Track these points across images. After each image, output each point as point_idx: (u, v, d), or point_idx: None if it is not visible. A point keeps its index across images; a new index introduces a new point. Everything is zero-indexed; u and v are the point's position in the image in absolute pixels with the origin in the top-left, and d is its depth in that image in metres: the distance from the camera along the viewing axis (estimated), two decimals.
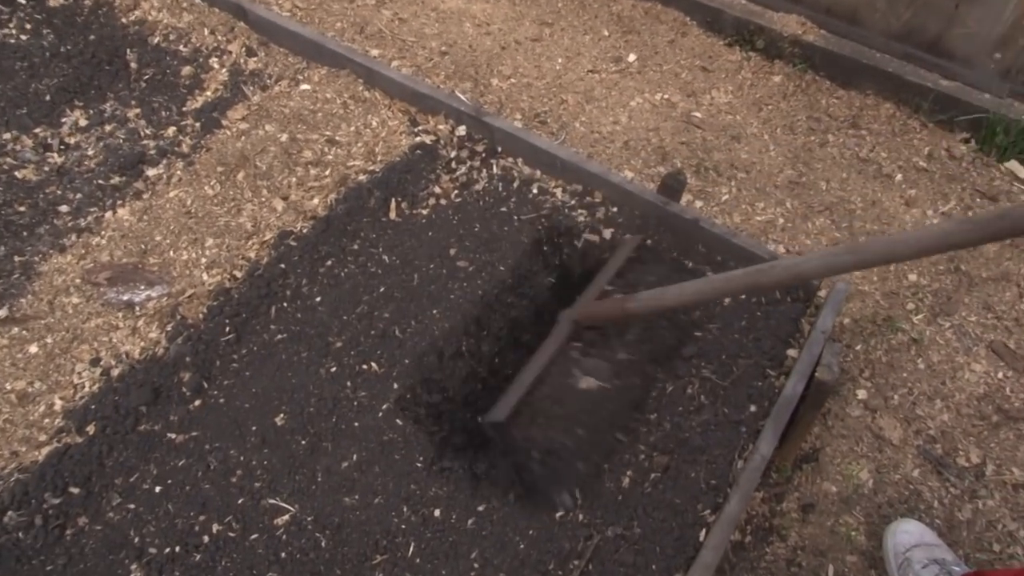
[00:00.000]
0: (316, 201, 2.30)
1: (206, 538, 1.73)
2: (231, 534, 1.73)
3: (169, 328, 2.11)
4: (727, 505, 1.58)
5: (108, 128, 2.71)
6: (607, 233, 2.21)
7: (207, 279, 2.21)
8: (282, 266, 2.19)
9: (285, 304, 2.12)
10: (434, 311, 2.01)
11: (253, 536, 1.72)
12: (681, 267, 2.07)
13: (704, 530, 1.61)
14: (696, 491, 1.70)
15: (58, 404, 1.97)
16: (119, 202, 2.46)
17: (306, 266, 2.14)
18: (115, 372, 2.02)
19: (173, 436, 1.90)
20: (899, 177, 2.58)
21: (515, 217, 2.21)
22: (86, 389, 1.99)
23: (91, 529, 1.76)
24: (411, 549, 1.67)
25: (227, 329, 2.07)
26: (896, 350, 2.17)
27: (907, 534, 1.74)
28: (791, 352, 1.94)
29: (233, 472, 1.82)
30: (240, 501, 1.78)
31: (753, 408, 1.81)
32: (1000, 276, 2.33)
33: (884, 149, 2.66)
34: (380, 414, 1.83)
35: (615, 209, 2.28)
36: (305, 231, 2.21)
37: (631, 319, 1.75)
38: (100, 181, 2.53)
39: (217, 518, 1.76)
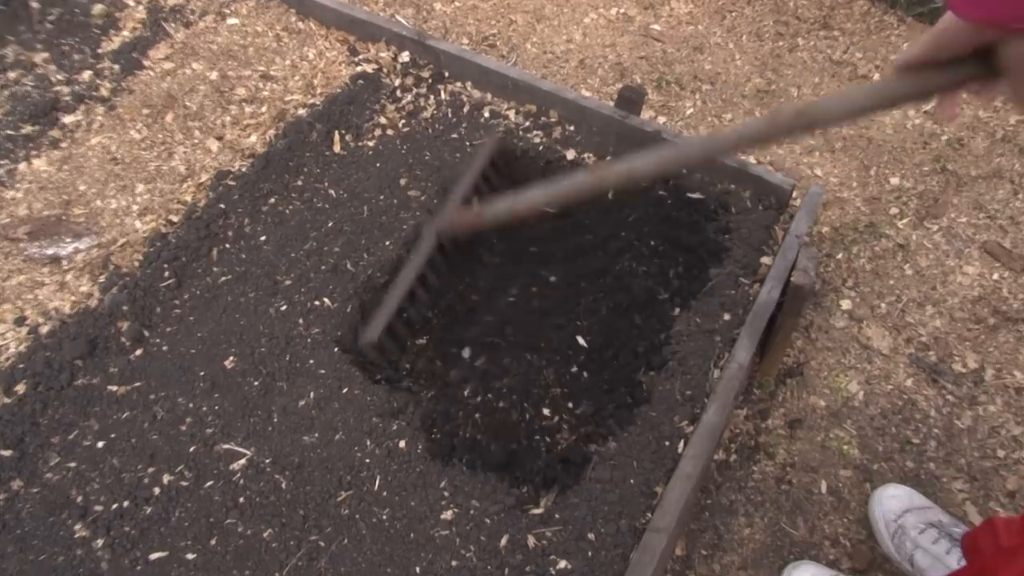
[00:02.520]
0: (254, 139, 2.31)
1: (157, 490, 1.75)
2: (184, 483, 1.75)
3: (102, 279, 2.11)
4: (705, 415, 1.61)
5: (12, 75, 2.67)
6: (569, 154, 2.24)
7: (140, 226, 2.21)
8: (222, 206, 2.20)
9: (227, 245, 2.09)
10: (387, 242, 2.03)
11: (208, 483, 1.75)
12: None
13: (682, 441, 1.64)
14: (672, 403, 1.70)
15: None
16: (33, 152, 2.44)
17: (247, 205, 2.15)
18: (44, 329, 2.02)
19: (114, 388, 1.91)
20: (876, 77, 2.64)
21: (467, 143, 2.22)
22: (12, 350, 2.00)
23: (27, 492, 1.76)
24: (377, 482, 1.67)
25: (166, 274, 2.09)
26: (881, 257, 2.21)
27: (894, 499, 1.67)
28: (765, 260, 1.98)
29: (182, 420, 1.84)
30: (192, 449, 1.80)
31: (727, 317, 1.81)
32: (992, 173, 2.36)
33: (859, 49, 2.71)
34: (336, 349, 1.84)
35: (572, 128, 2.31)
36: (244, 170, 2.22)
37: (488, 227, 1.80)
38: (9, 132, 2.50)
39: (168, 468, 1.78)
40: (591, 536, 1.60)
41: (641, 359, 1.81)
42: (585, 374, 1.79)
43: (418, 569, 1.59)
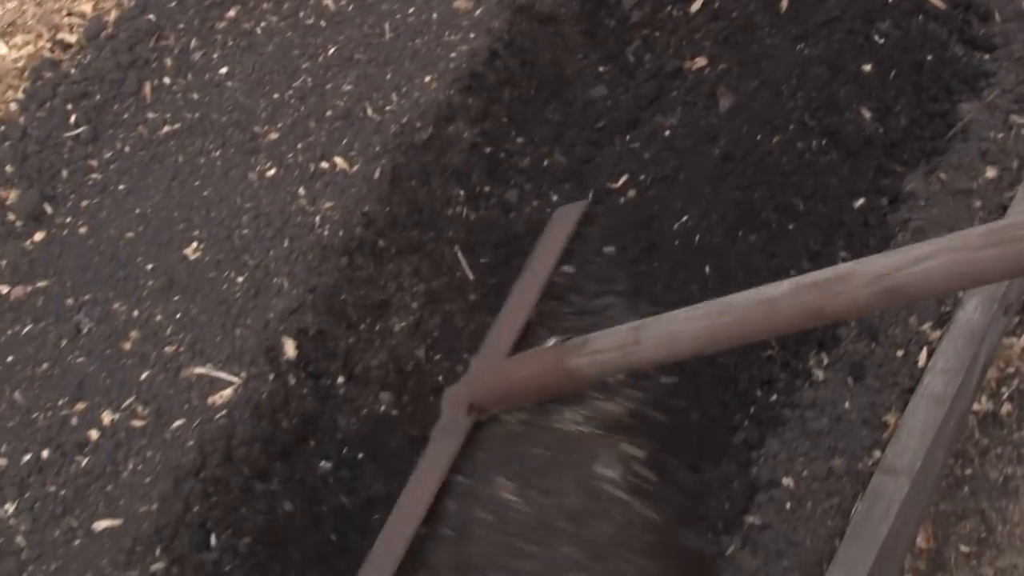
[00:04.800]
0: None
1: (94, 433, 1.68)
2: (137, 423, 1.68)
3: None
4: (959, 312, 1.63)
5: None
6: None
7: (8, 52, 2.14)
8: (150, 18, 2.14)
9: (166, 79, 2.08)
10: (426, 78, 2.04)
11: (176, 423, 1.67)
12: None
13: (924, 350, 1.67)
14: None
15: None
16: None
17: (193, 19, 2.15)
18: None
19: (3, 289, 1.84)
20: None
21: None
22: None
23: None
24: None
25: (72, 120, 2.02)
26: None
27: None
28: None
29: (124, 335, 1.77)
30: (145, 375, 1.73)
31: (992, 173, 1.85)
32: None
33: None
34: None
35: None
36: None
37: (579, 387, 1.42)
38: None
39: (108, 403, 1.70)
40: (788, 482, 1.60)
41: (848, 231, 1.81)
42: (764, 260, 1.79)
43: None
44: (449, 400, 1.51)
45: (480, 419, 1.48)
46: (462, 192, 1.94)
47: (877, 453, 1.63)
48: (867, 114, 1.92)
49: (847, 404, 1.68)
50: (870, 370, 1.70)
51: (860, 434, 1.65)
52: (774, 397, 1.70)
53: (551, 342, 1.44)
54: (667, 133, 2.04)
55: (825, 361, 1.72)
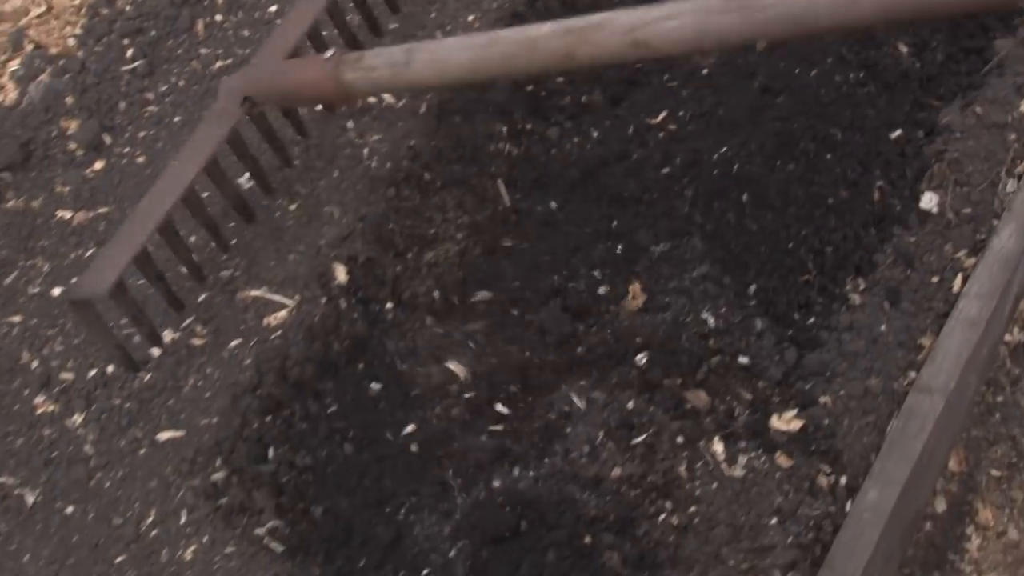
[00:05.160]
0: None
1: (156, 350, 1.75)
2: (197, 341, 1.75)
3: (17, 67, 2.09)
4: (995, 239, 1.68)
5: None
6: None
7: None
8: None
9: (218, 17, 2.14)
10: (468, 16, 2.11)
11: (234, 342, 1.73)
12: None
13: (959, 277, 1.72)
14: (940, 224, 1.80)
15: None
16: None
17: None
18: None
19: (66, 215, 1.90)
20: None
21: None
22: None
23: None
24: None
25: (128, 55, 2.07)
26: None
27: None
28: None
29: None
30: (203, 297, 1.80)
31: None
32: None
33: None
34: None
35: None
36: None
37: (351, 100, 1.61)
38: None
39: (168, 322, 1.77)
40: (826, 400, 1.65)
41: (884, 160, 1.86)
42: (803, 188, 1.83)
43: None
44: (224, 88, 1.65)
45: (251, 112, 1.65)
46: (504, 128, 1.97)
47: (912, 374, 1.69)
48: (904, 49, 1.96)
49: (883, 327, 1.73)
50: (906, 295, 1.76)
51: (896, 356, 1.71)
52: (812, 320, 1.75)
53: (330, 53, 1.55)
54: (705, 71, 2.07)
55: (862, 286, 1.77)
